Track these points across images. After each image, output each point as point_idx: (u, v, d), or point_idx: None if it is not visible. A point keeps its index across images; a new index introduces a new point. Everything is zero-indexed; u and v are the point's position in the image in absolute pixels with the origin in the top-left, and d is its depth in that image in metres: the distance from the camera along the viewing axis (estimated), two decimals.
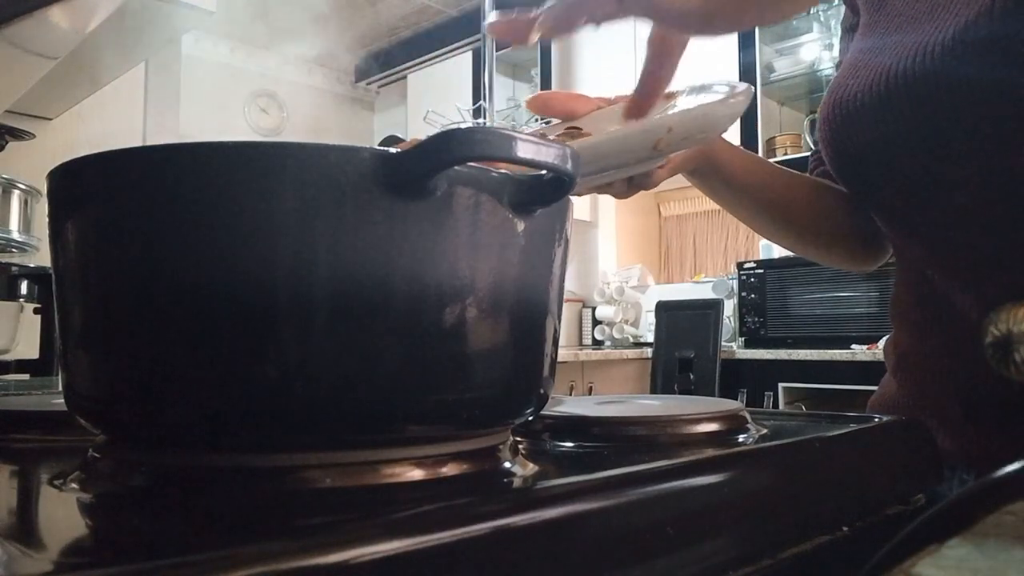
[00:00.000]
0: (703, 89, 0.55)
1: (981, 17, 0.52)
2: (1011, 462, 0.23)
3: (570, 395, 1.74)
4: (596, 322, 3.37)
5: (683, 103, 0.55)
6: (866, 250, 0.75)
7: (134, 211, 0.28)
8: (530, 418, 0.36)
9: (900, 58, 0.57)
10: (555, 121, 0.59)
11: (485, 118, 2.90)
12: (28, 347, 1.16)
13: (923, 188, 0.59)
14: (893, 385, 0.67)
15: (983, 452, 0.58)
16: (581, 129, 0.56)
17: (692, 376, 2.59)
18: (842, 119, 0.61)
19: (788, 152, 2.90)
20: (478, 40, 3.34)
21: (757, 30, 2.87)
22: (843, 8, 0.73)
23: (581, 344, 3.50)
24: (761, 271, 2.72)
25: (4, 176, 1.25)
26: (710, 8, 0.44)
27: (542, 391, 0.34)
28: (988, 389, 0.56)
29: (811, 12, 2.94)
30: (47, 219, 0.31)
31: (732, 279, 2.86)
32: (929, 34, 0.55)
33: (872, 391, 0.71)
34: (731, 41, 2.90)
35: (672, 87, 0.55)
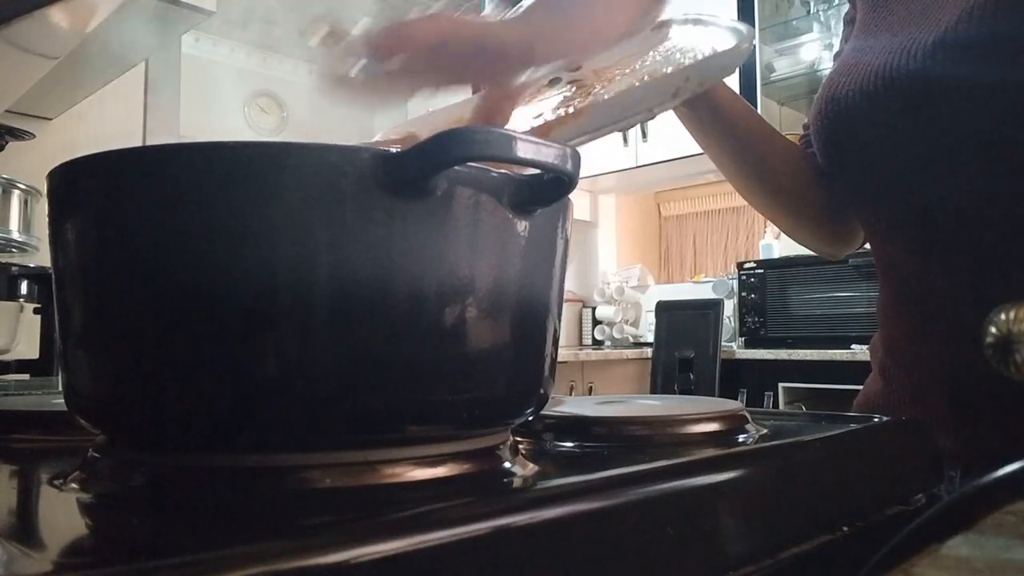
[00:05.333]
0: (698, 22, 0.60)
1: (962, 20, 0.53)
2: (1001, 461, 0.23)
3: (570, 395, 1.74)
4: (596, 322, 3.37)
5: (676, 33, 0.60)
6: (835, 231, 0.74)
7: (134, 211, 0.28)
8: (530, 418, 0.36)
9: (888, 58, 0.57)
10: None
11: None
12: (28, 347, 1.16)
13: (916, 187, 0.59)
14: (879, 384, 0.67)
15: (972, 451, 0.58)
16: (580, 67, 0.59)
17: (692, 376, 2.59)
18: (834, 115, 0.62)
19: None
20: None
21: (757, 30, 2.87)
22: (843, 8, 0.74)
23: (581, 344, 3.50)
24: (761, 271, 2.72)
25: (4, 176, 1.25)
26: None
27: (542, 391, 0.34)
28: (980, 389, 0.56)
29: (811, 12, 2.94)
30: (47, 219, 0.31)
31: (732, 279, 2.86)
32: (916, 35, 0.56)
33: None
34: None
35: (664, 16, 0.59)
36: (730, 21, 0.57)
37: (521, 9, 0.47)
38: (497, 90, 0.46)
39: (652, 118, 0.56)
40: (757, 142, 0.70)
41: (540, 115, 0.53)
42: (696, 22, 0.60)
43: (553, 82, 0.59)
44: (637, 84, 0.51)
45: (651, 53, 0.57)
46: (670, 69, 0.52)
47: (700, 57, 0.53)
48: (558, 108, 0.52)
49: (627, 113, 0.51)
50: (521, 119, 0.55)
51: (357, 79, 0.43)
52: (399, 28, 0.43)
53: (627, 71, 0.55)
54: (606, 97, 0.50)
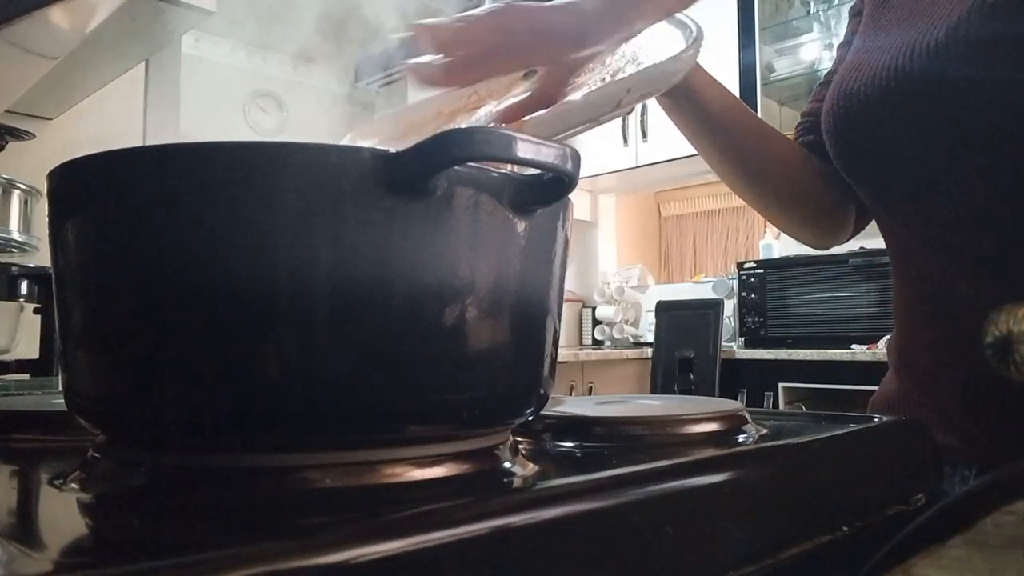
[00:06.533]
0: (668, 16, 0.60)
1: (973, 13, 0.53)
2: (1013, 458, 0.23)
3: (570, 395, 1.74)
4: (596, 322, 3.37)
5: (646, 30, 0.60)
6: (825, 222, 0.74)
7: (134, 211, 0.28)
8: (530, 418, 0.36)
9: (894, 57, 0.58)
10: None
11: None
12: (28, 347, 1.16)
13: (923, 185, 0.59)
14: (895, 382, 0.67)
15: (986, 448, 0.58)
16: (536, 71, 0.59)
17: (692, 376, 2.59)
18: (845, 113, 0.62)
19: None
20: None
21: (757, 30, 2.87)
22: (843, 8, 0.74)
23: (581, 344, 3.50)
24: (761, 271, 2.72)
25: (4, 176, 1.25)
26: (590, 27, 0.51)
27: (542, 391, 0.34)
28: (989, 387, 0.56)
29: (811, 12, 2.94)
30: (47, 219, 0.31)
31: (732, 279, 2.86)
32: (920, 33, 0.56)
33: (872, 391, 0.71)
34: (731, 41, 2.90)
35: None
36: (686, 18, 0.57)
37: None
38: (552, 70, 0.52)
39: (600, 125, 0.57)
40: (743, 135, 0.70)
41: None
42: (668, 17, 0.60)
43: (528, 74, 0.60)
44: (578, 97, 0.52)
45: (622, 47, 0.57)
46: (631, 68, 0.51)
47: (646, 64, 0.53)
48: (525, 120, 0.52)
49: (569, 126, 0.51)
50: (484, 117, 0.55)
51: (439, 70, 0.50)
52: (465, 28, 0.50)
53: (598, 66, 0.55)
54: (552, 110, 0.51)
